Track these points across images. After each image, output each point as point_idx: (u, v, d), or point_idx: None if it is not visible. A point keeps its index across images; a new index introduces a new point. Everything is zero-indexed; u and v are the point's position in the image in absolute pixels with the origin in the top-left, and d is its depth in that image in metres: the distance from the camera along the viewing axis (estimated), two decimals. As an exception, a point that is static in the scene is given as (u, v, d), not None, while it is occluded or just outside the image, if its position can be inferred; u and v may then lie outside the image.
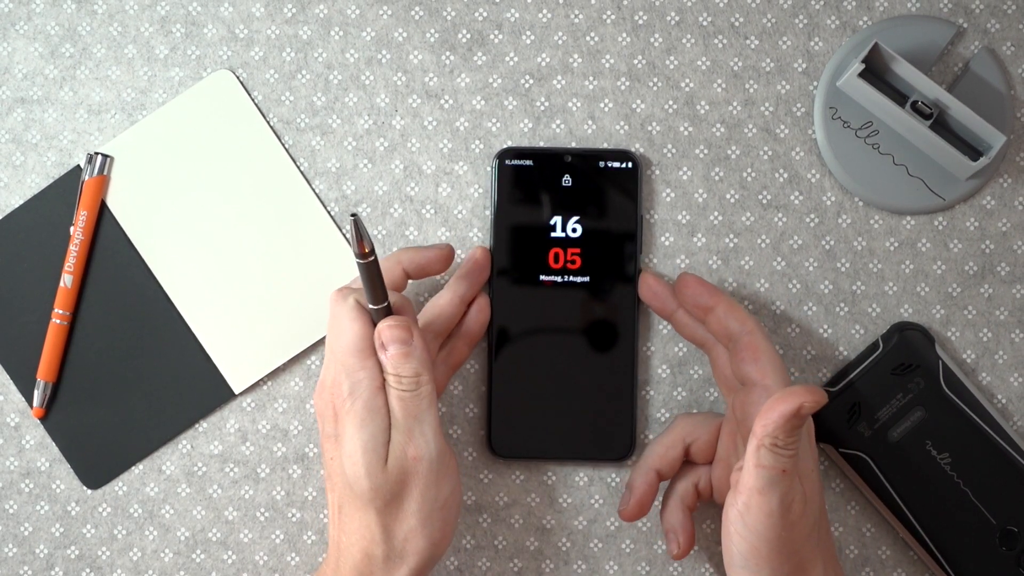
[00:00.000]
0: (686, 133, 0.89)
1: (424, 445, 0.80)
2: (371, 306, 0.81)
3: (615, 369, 0.88)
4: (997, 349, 0.89)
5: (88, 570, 0.89)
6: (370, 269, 0.79)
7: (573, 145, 0.89)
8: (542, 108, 0.89)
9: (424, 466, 0.80)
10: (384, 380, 0.80)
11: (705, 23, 0.89)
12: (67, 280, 0.88)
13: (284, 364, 0.89)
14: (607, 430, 0.88)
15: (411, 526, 0.80)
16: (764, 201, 0.89)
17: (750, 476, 0.77)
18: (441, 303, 0.86)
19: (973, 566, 0.86)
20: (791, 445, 0.76)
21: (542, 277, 0.88)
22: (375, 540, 0.80)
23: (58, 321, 0.88)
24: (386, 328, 0.80)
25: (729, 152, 0.89)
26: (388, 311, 0.81)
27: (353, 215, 0.76)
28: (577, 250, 0.88)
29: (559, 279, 0.88)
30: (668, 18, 0.89)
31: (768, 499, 0.77)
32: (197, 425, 0.89)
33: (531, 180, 0.88)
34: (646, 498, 0.84)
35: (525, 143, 0.89)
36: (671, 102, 0.89)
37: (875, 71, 0.87)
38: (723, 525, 0.79)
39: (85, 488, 0.89)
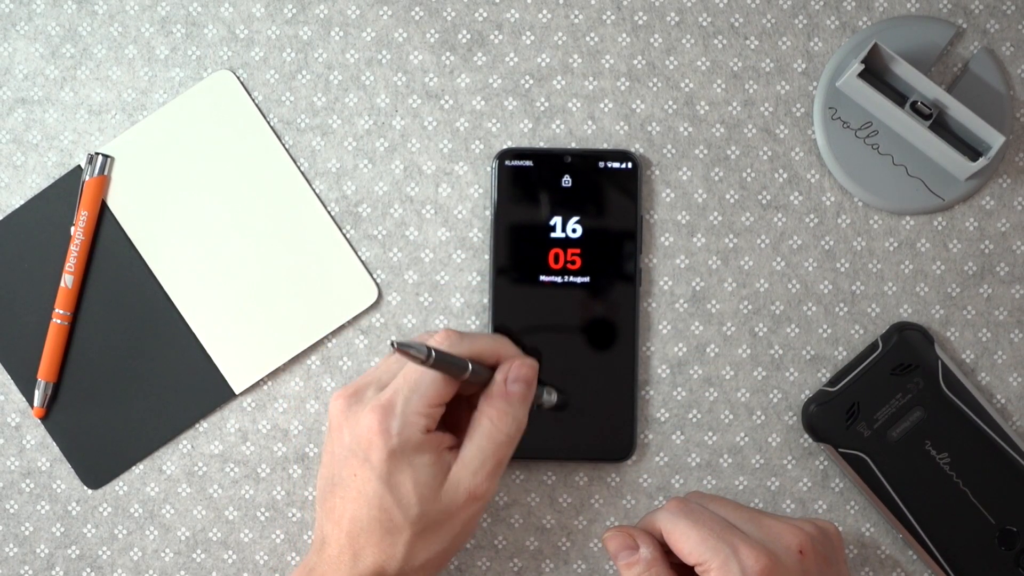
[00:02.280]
0: (686, 133, 0.89)
1: (491, 490, 0.80)
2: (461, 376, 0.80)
3: (615, 369, 0.88)
4: (996, 349, 0.89)
5: (88, 570, 0.89)
6: (440, 367, 0.79)
7: (573, 145, 0.89)
8: (542, 108, 0.89)
9: (481, 504, 0.80)
10: (434, 425, 0.80)
11: (705, 23, 0.89)
12: (68, 280, 0.88)
13: (284, 364, 0.89)
14: (607, 430, 0.88)
15: (436, 551, 0.80)
16: (764, 201, 0.89)
17: None
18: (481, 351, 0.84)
19: (972, 566, 0.86)
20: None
21: (542, 277, 0.88)
22: (395, 557, 0.80)
23: (59, 321, 0.88)
24: (523, 366, 0.81)
25: (729, 152, 0.89)
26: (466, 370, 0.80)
27: (392, 343, 0.76)
28: (577, 250, 0.88)
29: (559, 279, 0.88)
30: (668, 18, 0.89)
31: None
32: (197, 425, 0.89)
33: (531, 180, 0.88)
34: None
35: (525, 143, 0.89)
36: (671, 102, 0.89)
37: (875, 71, 0.87)
38: None
39: (86, 488, 0.89)
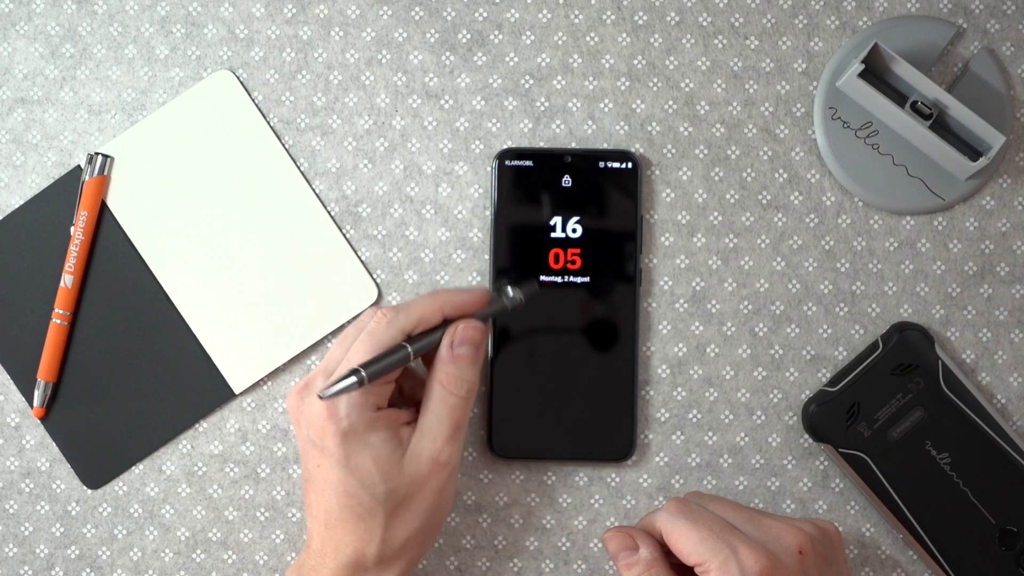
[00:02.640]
0: (686, 133, 0.89)
1: (455, 453, 0.80)
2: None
3: (615, 369, 0.88)
4: (997, 349, 0.89)
5: (88, 570, 0.89)
6: (379, 375, 0.79)
7: (573, 145, 0.89)
8: (542, 108, 0.89)
9: (447, 471, 0.80)
10: (382, 406, 0.80)
11: (705, 23, 0.89)
12: (67, 280, 0.88)
13: (284, 364, 0.89)
14: (607, 430, 0.88)
15: (414, 527, 0.80)
16: (764, 201, 0.89)
17: None
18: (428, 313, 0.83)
19: (973, 566, 0.86)
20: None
21: (542, 277, 0.88)
22: (373, 541, 0.80)
23: (58, 321, 0.88)
24: (466, 327, 0.81)
25: (729, 152, 0.89)
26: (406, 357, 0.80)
27: (319, 396, 0.78)
28: (577, 250, 0.88)
29: (559, 279, 0.88)
30: (668, 18, 0.89)
31: None
32: (197, 425, 0.89)
33: (531, 180, 0.88)
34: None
35: (525, 143, 0.89)
36: (671, 102, 0.89)
37: (875, 71, 0.87)
38: None
39: (85, 488, 0.89)
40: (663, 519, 0.80)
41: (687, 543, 0.79)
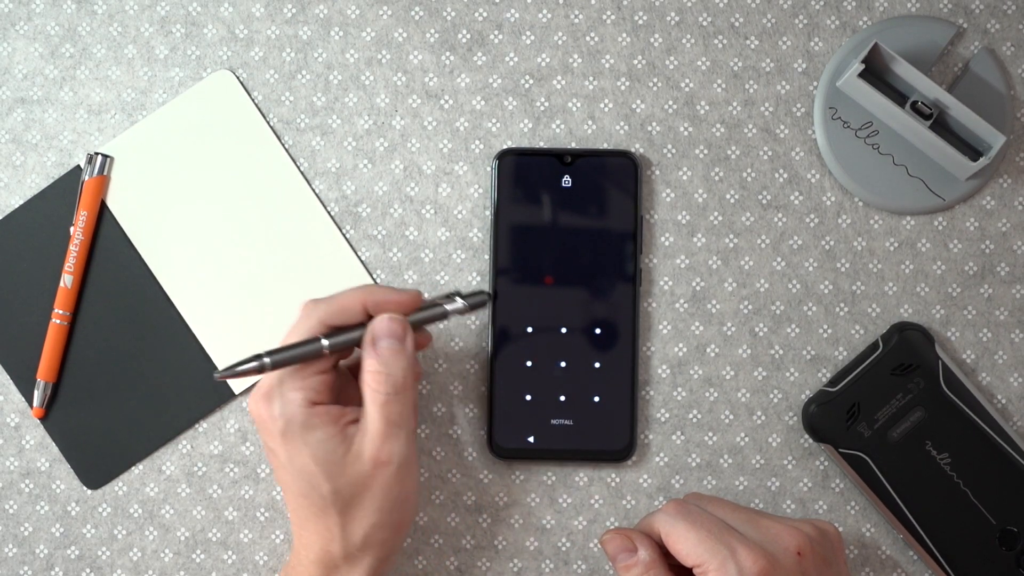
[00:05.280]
0: (686, 133, 0.89)
1: (396, 451, 0.79)
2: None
3: (615, 369, 0.88)
4: (997, 349, 0.89)
5: (88, 570, 0.89)
6: (284, 363, 0.79)
7: (573, 145, 0.89)
8: (542, 108, 0.89)
9: (392, 470, 0.79)
10: (321, 399, 0.79)
11: (705, 23, 0.89)
12: (67, 280, 0.88)
13: (284, 364, 0.89)
14: (607, 430, 0.88)
15: (371, 523, 0.80)
16: (764, 201, 0.89)
17: None
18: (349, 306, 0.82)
19: (973, 566, 0.86)
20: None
21: (542, 277, 0.88)
22: (334, 538, 0.80)
23: (58, 321, 0.88)
24: (383, 320, 0.79)
25: (729, 152, 0.89)
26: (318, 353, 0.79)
27: (214, 375, 0.78)
28: (577, 250, 0.88)
29: (559, 279, 0.88)
30: (668, 18, 0.89)
31: None
32: (197, 425, 0.89)
33: (531, 180, 0.88)
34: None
35: (525, 143, 0.89)
36: (671, 102, 0.89)
37: (875, 71, 0.87)
38: None
39: (85, 488, 0.89)
40: (661, 520, 0.80)
41: (685, 544, 0.79)
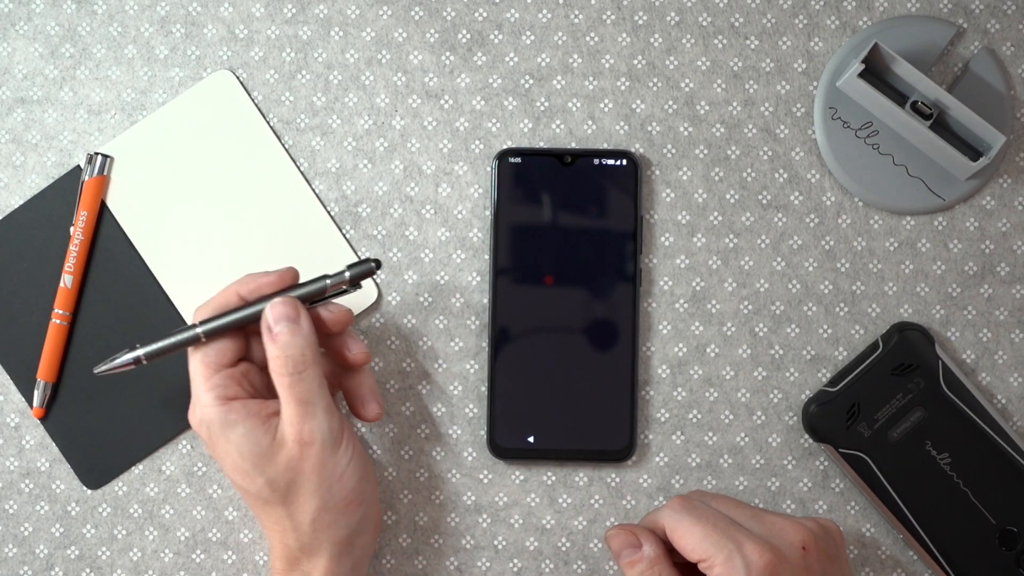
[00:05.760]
0: (686, 133, 0.89)
1: (317, 428, 0.79)
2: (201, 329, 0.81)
3: (615, 369, 0.88)
4: (997, 349, 0.89)
5: (88, 570, 0.89)
6: (158, 356, 0.81)
7: (573, 145, 0.89)
8: (542, 108, 0.89)
9: (318, 448, 0.79)
10: (235, 394, 0.80)
11: (705, 23, 0.89)
12: (67, 280, 0.88)
13: (284, 364, 0.89)
14: (607, 430, 0.88)
15: (315, 507, 0.80)
16: (764, 201, 0.89)
17: None
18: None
19: (973, 566, 0.86)
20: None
21: (542, 277, 0.88)
22: (286, 530, 0.80)
23: (58, 321, 0.88)
24: (274, 305, 0.80)
25: (729, 152, 0.89)
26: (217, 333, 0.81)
27: (94, 372, 0.81)
28: (577, 250, 0.88)
29: (559, 279, 0.88)
30: (668, 18, 0.89)
31: None
32: (197, 425, 0.89)
33: (531, 180, 0.88)
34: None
35: (525, 143, 0.89)
36: (671, 102, 0.89)
37: (875, 71, 0.87)
38: None
39: (85, 488, 0.89)
40: (666, 515, 0.80)
41: (691, 539, 0.79)
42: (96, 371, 0.81)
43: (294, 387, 0.79)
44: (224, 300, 0.81)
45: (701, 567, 0.78)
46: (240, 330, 0.81)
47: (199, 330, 0.80)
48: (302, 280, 0.83)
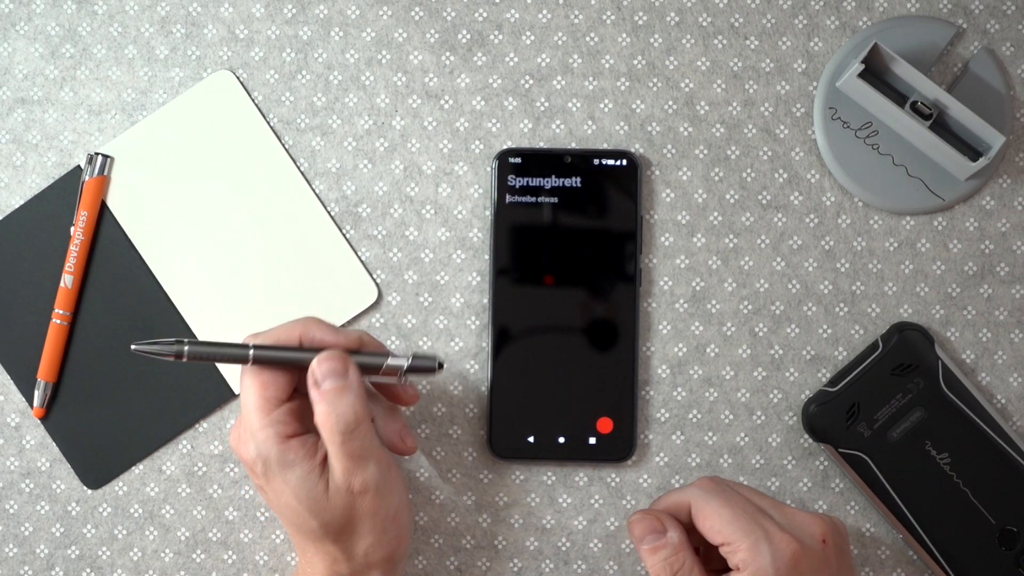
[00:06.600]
0: (686, 133, 0.89)
1: (370, 479, 0.78)
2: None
3: (615, 369, 0.88)
4: (997, 349, 0.89)
5: (88, 570, 0.89)
6: (198, 359, 0.79)
7: (573, 145, 0.89)
8: (542, 108, 0.89)
9: (371, 495, 0.79)
10: (293, 431, 0.79)
11: (705, 23, 0.89)
12: (67, 280, 0.88)
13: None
14: (607, 430, 0.88)
15: (369, 544, 0.80)
16: (764, 201, 0.89)
17: None
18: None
19: (973, 566, 0.86)
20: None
21: (542, 277, 0.88)
22: (337, 560, 0.80)
23: (58, 321, 0.88)
24: (321, 360, 0.78)
25: (729, 152, 0.89)
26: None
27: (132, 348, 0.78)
28: (577, 250, 0.88)
29: (559, 279, 0.88)
30: (668, 18, 0.89)
31: None
32: (197, 425, 0.89)
33: (531, 180, 0.88)
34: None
35: (525, 143, 0.89)
36: (671, 102, 0.89)
37: (875, 71, 0.87)
38: None
39: (85, 488, 0.89)
40: (694, 494, 0.80)
41: (718, 520, 0.78)
42: (133, 347, 0.78)
43: (345, 445, 0.78)
44: (282, 336, 0.79)
45: (723, 550, 0.78)
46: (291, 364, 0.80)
47: (250, 352, 0.78)
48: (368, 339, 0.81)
